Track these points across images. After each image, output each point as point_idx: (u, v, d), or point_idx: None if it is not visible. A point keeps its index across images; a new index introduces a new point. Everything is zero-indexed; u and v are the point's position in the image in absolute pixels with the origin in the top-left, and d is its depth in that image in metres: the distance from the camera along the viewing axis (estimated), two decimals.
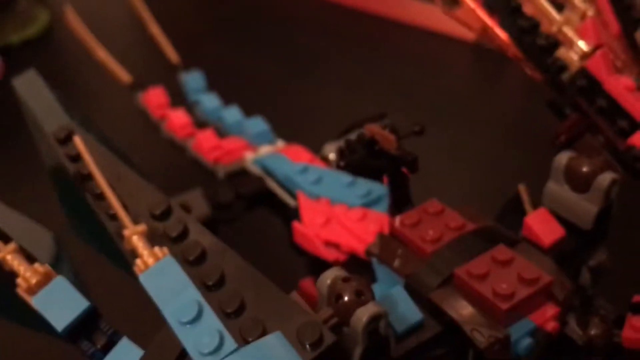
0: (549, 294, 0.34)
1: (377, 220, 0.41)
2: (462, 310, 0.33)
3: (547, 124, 0.43)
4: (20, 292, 0.31)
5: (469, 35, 0.53)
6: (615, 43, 0.43)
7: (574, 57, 0.41)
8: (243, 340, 0.28)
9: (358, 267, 0.39)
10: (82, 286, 0.31)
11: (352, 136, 0.45)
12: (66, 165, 0.37)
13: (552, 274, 0.34)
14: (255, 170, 0.51)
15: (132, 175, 0.36)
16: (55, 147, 0.38)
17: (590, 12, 0.42)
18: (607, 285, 0.38)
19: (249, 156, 0.53)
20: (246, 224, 0.52)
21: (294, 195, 0.46)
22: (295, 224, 0.44)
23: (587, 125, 0.40)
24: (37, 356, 0.50)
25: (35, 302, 0.30)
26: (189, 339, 0.28)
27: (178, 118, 0.57)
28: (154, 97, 0.60)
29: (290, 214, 0.46)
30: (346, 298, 0.29)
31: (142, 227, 0.32)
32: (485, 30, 0.43)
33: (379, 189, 0.44)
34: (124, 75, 0.63)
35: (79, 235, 0.44)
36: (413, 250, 0.36)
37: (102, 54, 0.64)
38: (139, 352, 0.29)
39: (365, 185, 0.44)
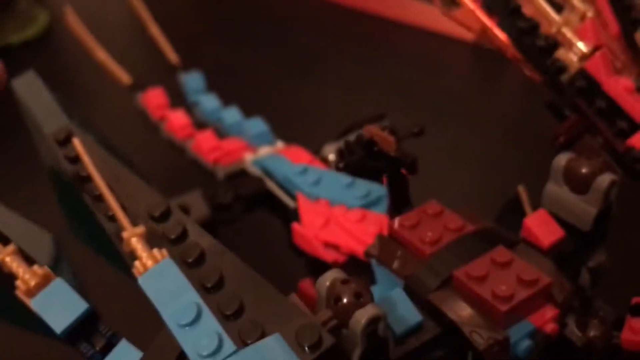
0: (548, 296, 0.34)
1: (377, 222, 0.41)
2: (461, 311, 0.33)
3: (547, 125, 0.43)
4: (19, 294, 0.31)
5: (468, 35, 0.53)
6: (615, 44, 0.43)
7: (573, 58, 0.41)
8: (242, 342, 0.28)
9: (357, 268, 0.39)
10: (81, 288, 0.31)
11: (351, 137, 0.45)
12: (65, 167, 0.37)
13: (551, 276, 0.34)
14: (255, 171, 0.51)
15: (131, 177, 0.36)
16: (54, 148, 0.38)
17: (590, 13, 0.42)
18: (606, 287, 0.38)
19: (249, 157, 0.53)
20: (245, 225, 0.52)
21: (293, 197, 0.46)
22: (295, 225, 0.44)
23: (587, 126, 0.40)
24: (36, 358, 0.50)
25: (34, 304, 0.30)
26: (187, 341, 0.28)
27: (177, 119, 0.57)
28: (154, 98, 0.60)
29: (290, 215, 0.46)
30: (345, 300, 0.29)
31: (141, 229, 0.32)
32: (484, 31, 0.43)
33: (378, 190, 0.44)
34: (123, 75, 0.63)
35: (78, 237, 0.44)
36: (412, 252, 0.36)
37: (101, 55, 0.64)
38: (137, 354, 0.29)
39: (364, 186, 0.44)
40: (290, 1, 0.99)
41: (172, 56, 0.65)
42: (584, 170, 0.36)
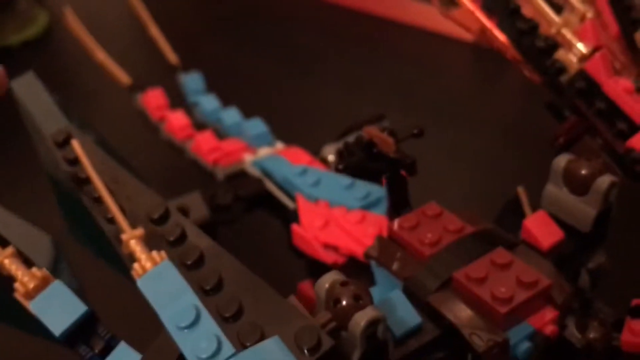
0: (547, 297, 0.34)
1: (376, 223, 0.41)
2: (461, 313, 0.33)
3: (547, 126, 0.43)
4: (18, 296, 0.31)
5: (468, 35, 0.53)
6: (615, 45, 0.43)
7: (572, 59, 0.41)
8: (241, 344, 0.28)
9: (357, 269, 0.39)
10: (80, 290, 0.31)
11: (351, 138, 0.45)
12: (64, 169, 0.37)
13: (551, 277, 0.34)
14: (254, 172, 0.51)
15: (130, 179, 0.36)
16: (53, 150, 0.38)
17: (590, 14, 0.42)
18: (606, 288, 0.38)
19: (248, 158, 0.52)
20: (245, 226, 0.52)
21: (292, 198, 0.46)
22: (294, 227, 0.44)
23: (586, 127, 0.40)
24: None
25: (32, 306, 0.30)
26: (186, 343, 0.28)
27: (177, 119, 0.57)
28: (153, 99, 0.60)
29: (289, 216, 0.46)
30: (344, 302, 0.29)
31: (139, 231, 0.32)
32: (483, 32, 0.43)
33: (378, 191, 0.44)
34: (123, 76, 0.63)
35: (78, 239, 0.44)
36: (412, 253, 0.36)
37: (101, 55, 0.64)
38: (136, 356, 0.29)
39: (364, 188, 0.44)
40: (290, 1, 0.99)
41: (172, 56, 0.65)
42: (583, 172, 0.36)
